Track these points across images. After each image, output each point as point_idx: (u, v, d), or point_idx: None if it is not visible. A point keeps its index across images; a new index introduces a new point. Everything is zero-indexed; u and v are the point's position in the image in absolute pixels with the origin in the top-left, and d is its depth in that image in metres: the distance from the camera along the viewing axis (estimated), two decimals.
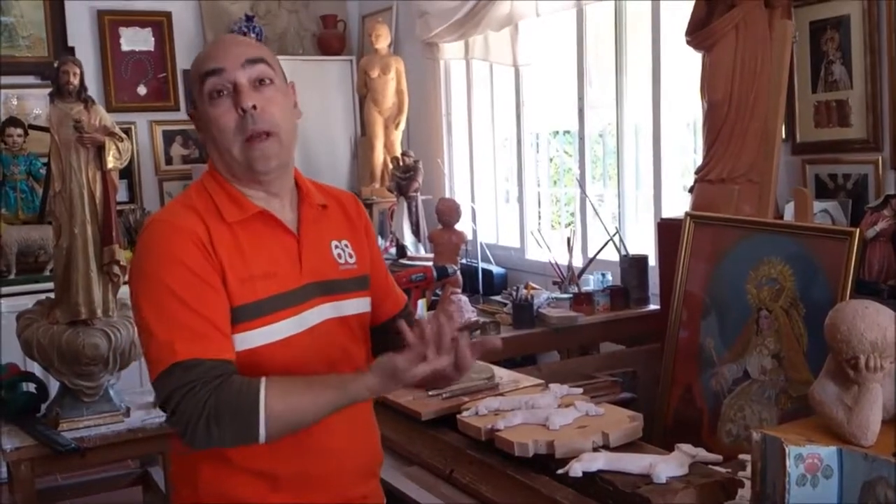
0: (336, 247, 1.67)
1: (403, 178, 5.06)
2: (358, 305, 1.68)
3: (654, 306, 3.59)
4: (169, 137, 5.95)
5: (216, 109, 1.53)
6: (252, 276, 1.52)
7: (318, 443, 1.56)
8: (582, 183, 4.51)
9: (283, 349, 1.53)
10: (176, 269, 1.47)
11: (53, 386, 3.63)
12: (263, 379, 1.43)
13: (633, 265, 3.73)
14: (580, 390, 2.21)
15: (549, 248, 4.14)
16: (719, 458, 1.80)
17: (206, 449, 1.45)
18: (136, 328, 1.52)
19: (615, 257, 3.88)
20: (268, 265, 1.55)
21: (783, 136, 3.10)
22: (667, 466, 1.68)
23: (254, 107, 1.51)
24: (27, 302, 4.04)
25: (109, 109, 5.09)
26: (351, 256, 1.68)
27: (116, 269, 3.48)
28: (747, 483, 1.63)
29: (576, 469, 1.72)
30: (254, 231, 1.56)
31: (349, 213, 1.74)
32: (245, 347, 1.51)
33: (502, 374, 2.44)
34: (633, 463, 1.72)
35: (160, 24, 5.88)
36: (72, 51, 5.40)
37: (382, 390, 1.49)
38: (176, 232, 1.50)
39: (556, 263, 3.97)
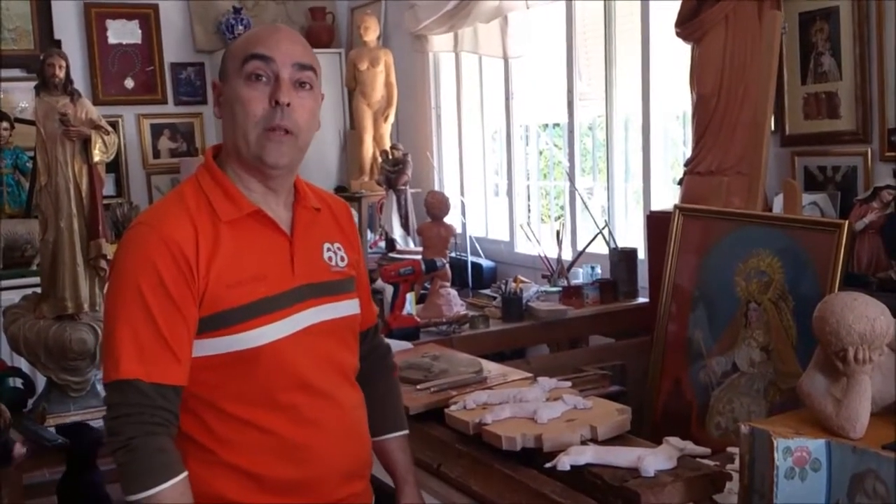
0: (328, 249, 1.66)
1: (392, 172, 5.04)
2: (349, 307, 1.67)
3: (643, 299, 3.59)
4: (157, 131, 5.92)
5: (250, 91, 1.51)
6: (241, 280, 1.51)
7: (306, 448, 1.55)
8: (571, 176, 4.50)
9: (272, 352, 1.52)
10: (150, 281, 1.46)
11: (40, 381, 3.62)
12: (180, 478, 1.45)
13: (623, 258, 3.72)
14: (569, 384, 2.20)
15: (538, 241, 4.13)
16: (707, 451, 1.79)
17: None
18: None
19: (604, 250, 3.88)
20: (258, 267, 1.53)
21: (772, 127, 3.09)
22: (655, 460, 1.67)
23: (288, 104, 1.51)
24: (14, 297, 4.01)
25: (96, 103, 5.06)
26: (342, 260, 1.67)
27: (103, 264, 3.47)
28: (735, 476, 1.62)
29: (564, 463, 1.71)
30: (247, 231, 1.55)
31: (340, 220, 1.73)
32: (233, 350, 1.50)
33: (490, 368, 2.43)
34: (621, 456, 1.71)
35: (147, 16, 5.85)
36: (58, 44, 5.36)
37: None
38: (158, 241, 1.47)
39: (546, 257, 3.96)
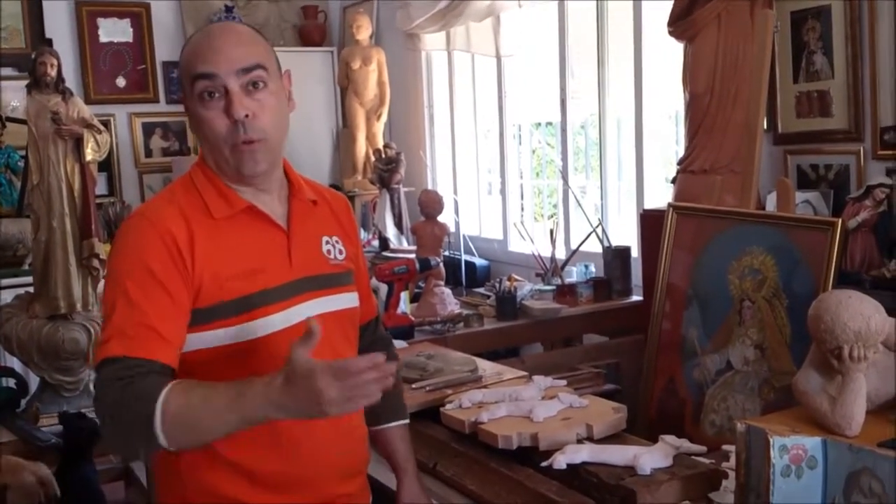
0: (327, 242, 1.65)
1: (385, 170, 5.04)
2: (349, 300, 1.67)
3: (636, 297, 3.60)
4: (148, 130, 5.90)
5: (207, 112, 1.50)
6: (238, 273, 1.50)
7: (299, 442, 1.55)
8: (564, 174, 4.51)
9: (269, 344, 1.51)
10: (137, 270, 1.46)
11: (33, 381, 3.60)
12: (174, 382, 1.37)
13: (616, 256, 3.73)
14: (564, 382, 2.20)
15: (531, 239, 4.14)
16: (703, 449, 1.80)
17: (114, 448, 1.41)
18: None
19: (598, 249, 3.88)
20: (254, 261, 1.53)
21: (765, 126, 3.10)
22: (651, 458, 1.68)
23: (246, 115, 1.49)
24: (6, 296, 4.00)
25: (88, 101, 5.03)
26: (341, 252, 1.67)
27: (96, 263, 3.46)
28: (731, 474, 1.63)
29: (560, 461, 1.71)
30: (241, 226, 1.54)
31: (338, 213, 1.73)
32: (231, 342, 1.49)
33: (486, 367, 2.43)
34: (618, 455, 1.72)
35: (139, 14, 5.82)
36: (49, 42, 5.32)
37: (288, 402, 1.29)
38: (151, 231, 1.48)
39: (539, 255, 3.97)
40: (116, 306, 1.45)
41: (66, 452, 3.15)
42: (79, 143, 3.51)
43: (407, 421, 1.87)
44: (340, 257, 1.66)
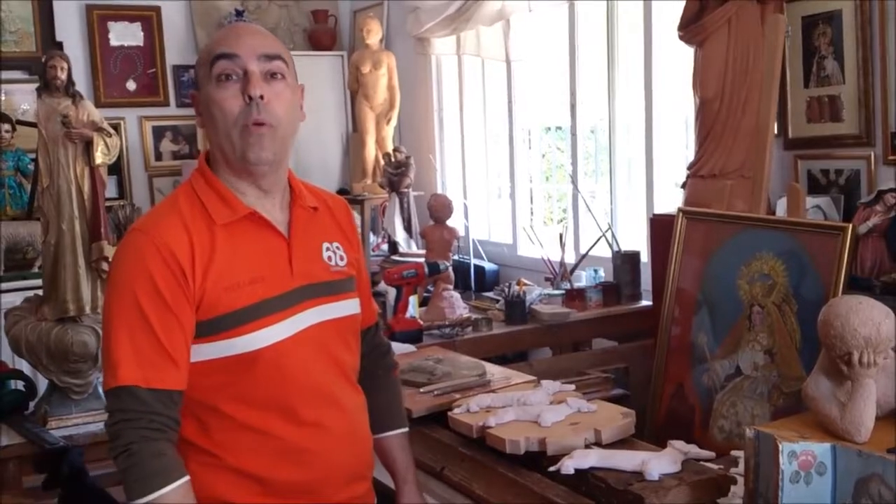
0: (327, 249, 1.65)
1: (395, 174, 5.04)
2: (350, 307, 1.66)
3: (646, 302, 3.59)
4: (158, 133, 5.92)
5: (222, 92, 1.50)
6: (239, 283, 1.50)
7: (312, 451, 1.55)
8: (574, 179, 4.50)
9: (273, 354, 1.51)
10: (145, 288, 1.46)
11: (42, 384, 3.61)
12: (180, 482, 1.45)
13: (626, 261, 3.72)
14: (572, 387, 2.19)
15: (541, 244, 4.13)
16: (712, 454, 1.79)
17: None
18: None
19: (607, 253, 3.88)
20: (256, 269, 1.53)
21: (775, 131, 3.09)
22: (659, 463, 1.67)
23: (261, 96, 1.49)
24: (15, 299, 4.01)
25: (98, 105, 5.06)
26: (342, 259, 1.67)
27: (105, 266, 3.46)
28: (740, 480, 1.62)
29: (568, 466, 1.70)
30: (243, 234, 1.54)
31: (338, 218, 1.72)
32: (234, 353, 1.49)
33: (494, 371, 2.43)
34: (626, 460, 1.71)
35: (149, 18, 5.85)
36: (60, 46, 5.36)
37: None
38: (153, 247, 1.47)
39: (549, 260, 3.96)
40: (126, 324, 1.46)
41: (70, 480, 3.18)
42: (89, 147, 3.52)
43: (406, 429, 1.87)
44: (342, 264, 1.66)
